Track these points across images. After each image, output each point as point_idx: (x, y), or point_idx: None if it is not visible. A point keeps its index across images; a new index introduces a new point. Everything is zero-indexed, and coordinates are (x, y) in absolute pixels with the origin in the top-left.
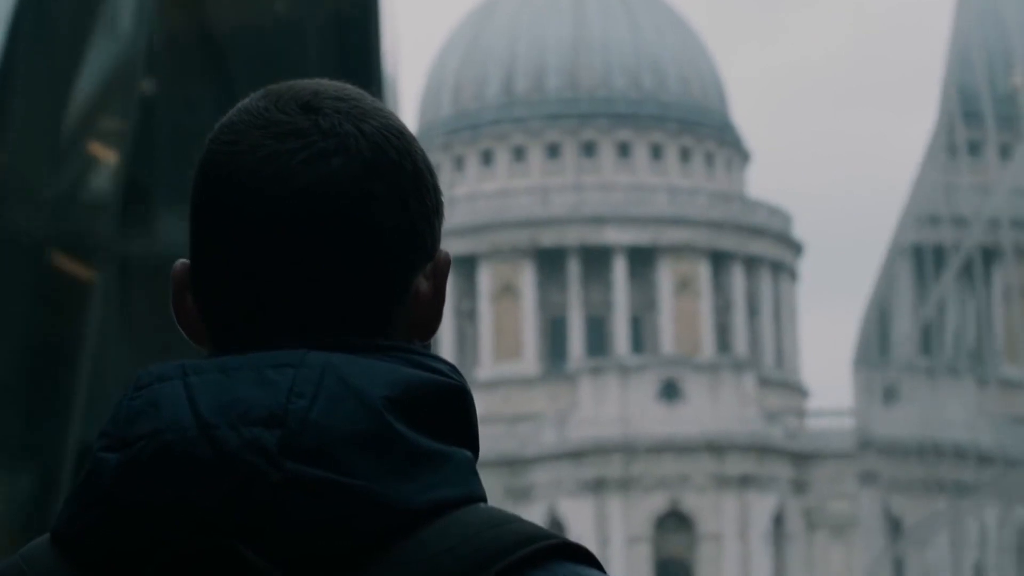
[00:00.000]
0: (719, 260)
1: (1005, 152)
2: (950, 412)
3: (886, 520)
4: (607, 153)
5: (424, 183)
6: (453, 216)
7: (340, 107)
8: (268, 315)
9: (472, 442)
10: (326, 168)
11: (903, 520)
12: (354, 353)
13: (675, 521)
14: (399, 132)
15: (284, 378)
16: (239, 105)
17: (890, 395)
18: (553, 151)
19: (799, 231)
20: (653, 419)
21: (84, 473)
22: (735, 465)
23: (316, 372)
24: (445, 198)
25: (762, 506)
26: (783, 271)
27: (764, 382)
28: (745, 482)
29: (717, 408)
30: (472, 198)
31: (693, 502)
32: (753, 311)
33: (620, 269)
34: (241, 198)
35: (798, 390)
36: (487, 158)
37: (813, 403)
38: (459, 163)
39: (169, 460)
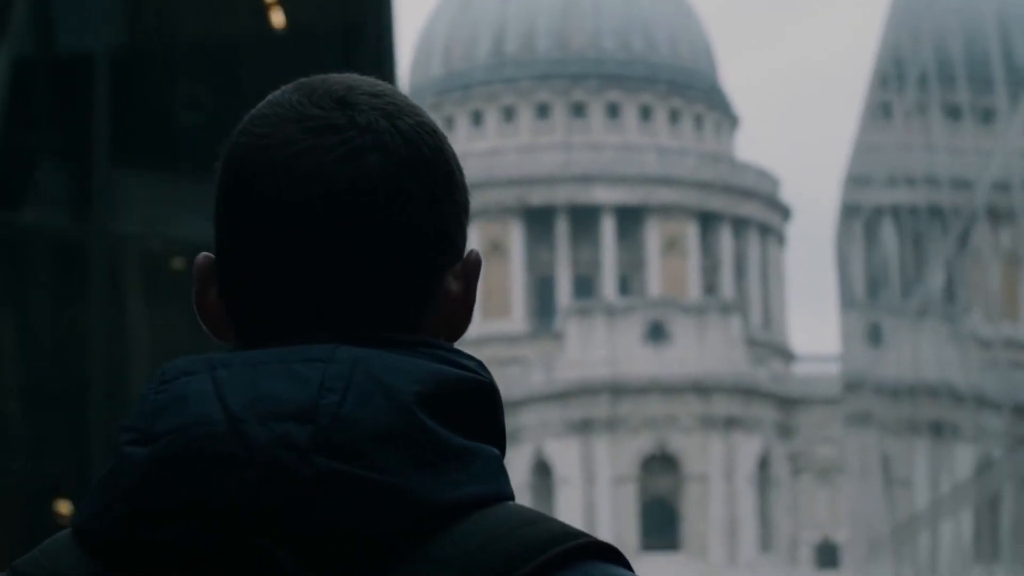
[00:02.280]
0: (707, 221)
1: (951, 113)
2: (934, 353)
3: (873, 461)
4: (596, 114)
5: (455, 182)
6: None
7: (375, 103)
8: (298, 311)
9: (499, 439)
10: (362, 164)
11: (890, 461)
12: (382, 348)
13: (661, 462)
14: (432, 130)
15: (314, 373)
16: (269, 98)
17: (875, 337)
18: (543, 111)
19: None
20: (640, 361)
21: (108, 468)
22: (721, 407)
23: (346, 367)
24: None
25: (748, 448)
26: (771, 234)
27: (751, 343)
28: (731, 424)
29: (704, 350)
30: (461, 157)
31: (679, 443)
32: (740, 273)
33: (608, 228)
34: (275, 192)
35: (784, 353)
36: (477, 118)
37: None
38: (449, 123)
39: (197, 455)
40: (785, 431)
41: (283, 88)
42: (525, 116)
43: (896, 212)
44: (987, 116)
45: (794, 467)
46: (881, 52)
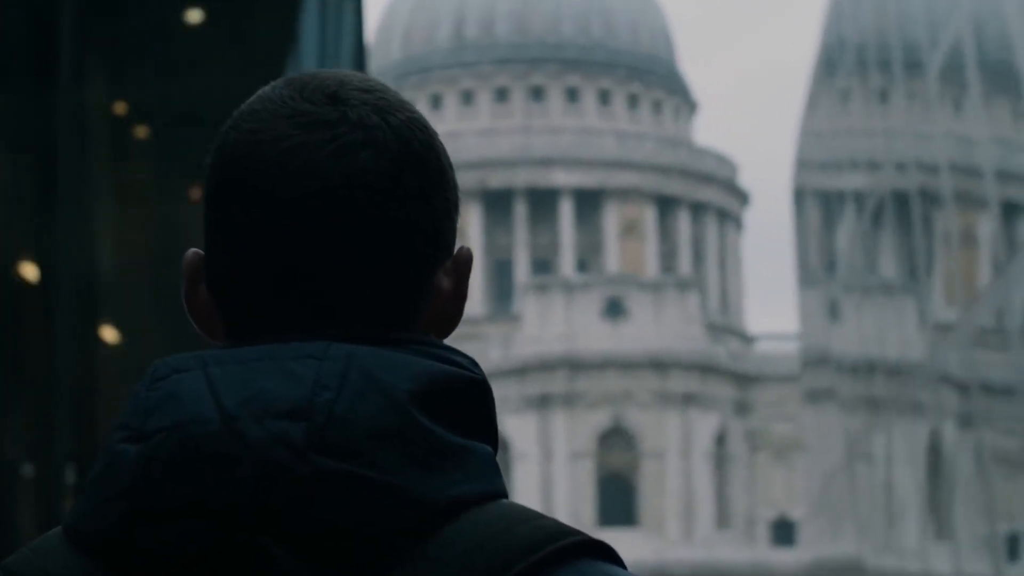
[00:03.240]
0: (665, 205)
1: (884, 97)
2: (891, 329)
3: (832, 437)
4: (555, 98)
5: (446, 178)
6: None
7: (366, 98)
8: (290, 307)
9: (491, 436)
10: (355, 161)
11: (850, 437)
12: (376, 346)
13: (618, 437)
14: (423, 126)
15: (308, 370)
16: (259, 93)
17: (833, 313)
18: (502, 95)
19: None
20: (597, 336)
21: (100, 466)
22: (678, 383)
23: (340, 364)
24: None
25: (705, 425)
26: (729, 219)
27: (709, 327)
28: (688, 400)
29: (661, 326)
30: None
31: (636, 419)
32: (698, 257)
33: (567, 212)
34: (268, 188)
35: (742, 337)
36: (436, 102)
37: (756, 345)
38: None
39: (191, 453)
40: (742, 408)
41: (273, 84)
42: (484, 100)
43: (845, 196)
44: (913, 97)
45: (751, 444)
46: (823, 39)
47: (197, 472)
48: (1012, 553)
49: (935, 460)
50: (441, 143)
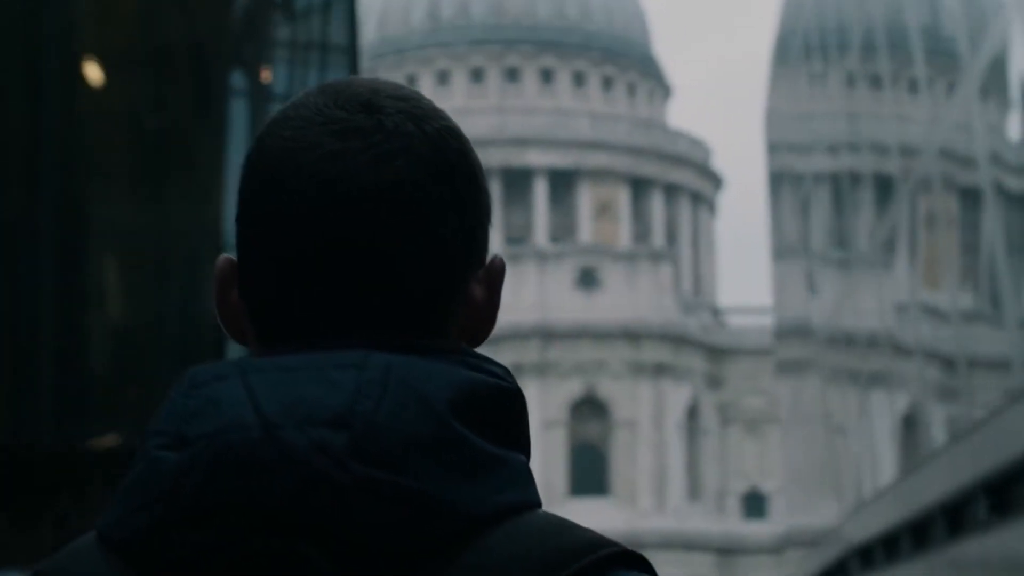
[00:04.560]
0: (639, 186)
1: (850, 81)
2: (864, 302)
3: (806, 409)
4: (530, 79)
5: (479, 186)
6: None
7: (401, 107)
8: (324, 315)
9: (525, 445)
10: (391, 168)
11: (825, 408)
12: (413, 355)
13: (591, 407)
14: (457, 134)
15: (348, 379)
16: (293, 100)
17: (809, 285)
18: (477, 76)
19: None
20: (570, 306)
21: (136, 471)
22: (651, 353)
23: (380, 374)
24: None
25: (677, 396)
26: (702, 202)
27: (682, 309)
28: (660, 371)
29: (634, 297)
30: None
31: (609, 388)
32: (671, 239)
33: (541, 192)
34: (302, 195)
35: (714, 312)
36: (411, 82)
37: (729, 318)
38: None
39: (233, 460)
40: (714, 381)
41: (306, 91)
42: (459, 80)
43: (822, 178)
44: (876, 82)
45: (723, 417)
46: (781, 25)
47: (238, 478)
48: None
49: (910, 431)
50: (474, 152)
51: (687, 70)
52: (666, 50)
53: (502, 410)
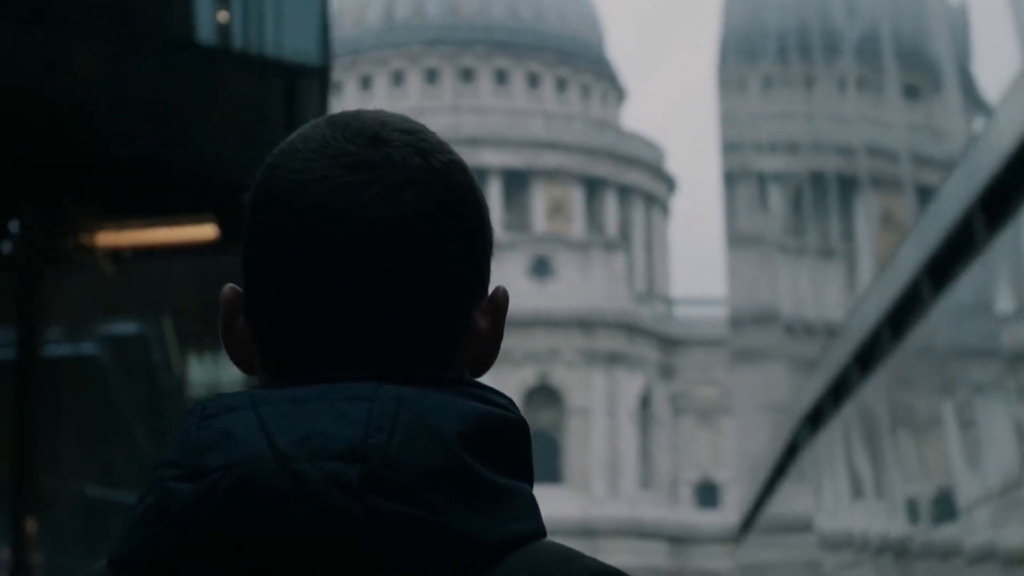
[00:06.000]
0: (592, 187)
1: (810, 83)
2: (819, 291)
3: (759, 397)
4: (485, 80)
5: (484, 219)
6: None
7: (408, 140)
8: (332, 346)
9: (529, 475)
10: (399, 202)
11: (780, 397)
12: (422, 386)
13: (544, 395)
14: (463, 168)
15: (359, 411)
16: (299, 131)
17: (763, 274)
18: (432, 76)
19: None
20: (524, 295)
21: (149, 502)
22: (604, 342)
23: (391, 406)
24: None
25: (630, 385)
26: (656, 204)
27: (635, 299)
28: (614, 359)
29: (588, 286)
30: None
31: (562, 376)
32: (625, 239)
33: (495, 191)
34: (310, 228)
35: (667, 302)
36: (366, 83)
37: (681, 309)
38: (338, 89)
39: (247, 492)
40: (667, 371)
41: (314, 122)
42: (414, 81)
43: (771, 178)
44: (809, 83)
45: (675, 407)
46: (724, 27)
47: (252, 510)
48: (942, 513)
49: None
50: (479, 185)
51: (643, 76)
52: (621, 55)
53: (509, 441)
